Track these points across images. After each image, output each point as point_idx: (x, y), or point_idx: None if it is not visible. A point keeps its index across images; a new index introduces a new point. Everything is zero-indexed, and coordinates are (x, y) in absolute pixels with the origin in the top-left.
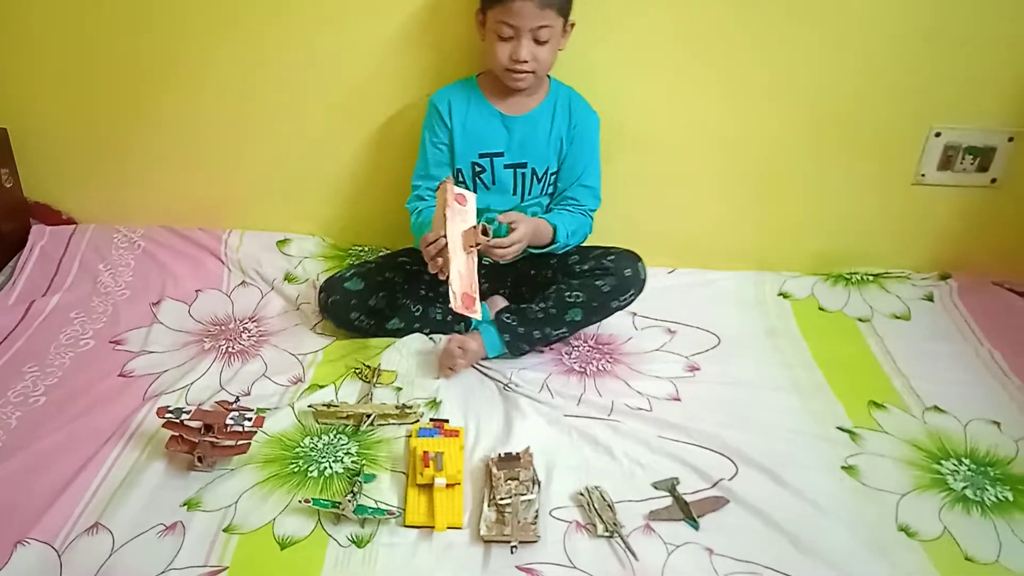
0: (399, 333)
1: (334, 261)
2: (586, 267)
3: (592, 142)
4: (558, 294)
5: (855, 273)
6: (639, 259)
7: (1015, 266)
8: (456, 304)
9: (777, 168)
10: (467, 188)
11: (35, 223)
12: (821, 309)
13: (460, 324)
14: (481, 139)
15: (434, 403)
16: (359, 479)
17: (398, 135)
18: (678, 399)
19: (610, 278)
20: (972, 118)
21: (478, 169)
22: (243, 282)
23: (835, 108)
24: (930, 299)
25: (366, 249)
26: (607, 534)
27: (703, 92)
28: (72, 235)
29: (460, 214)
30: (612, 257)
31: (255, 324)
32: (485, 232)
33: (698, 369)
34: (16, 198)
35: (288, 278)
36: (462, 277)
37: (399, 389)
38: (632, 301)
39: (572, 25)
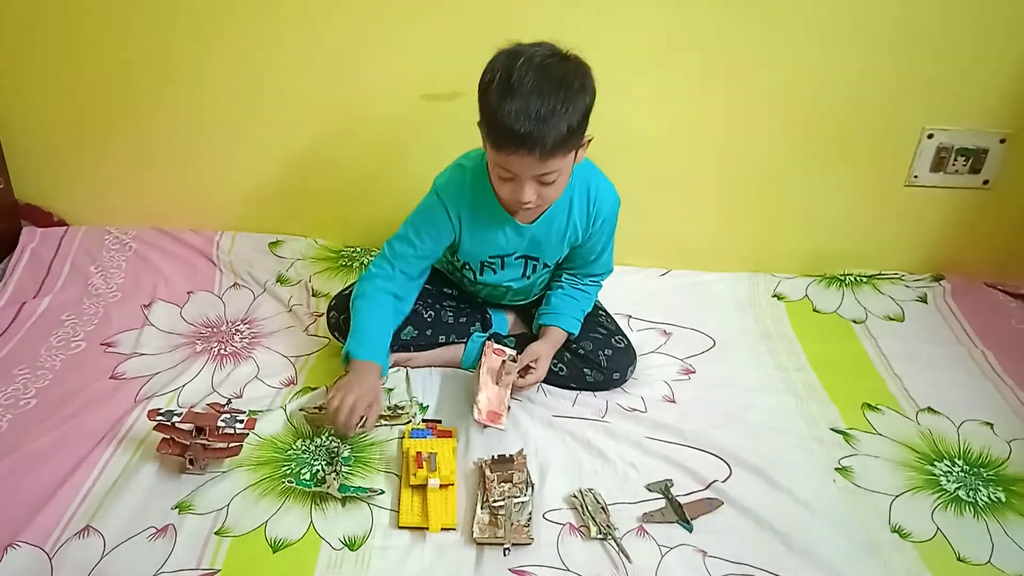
0: (413, 341)
1: (326, 262)
2: (582, 350)
3: (611, 228)
4: None
5: (849, 274)
6: (633, 359)
7: (1008, 267)
8: (480, 416)
9: (770, 170)
10: (474, 274)
11: (26, 225)
12: (815, 311)
13: (475, 324)
14: (492, 244)
15: (421, 407)
16: (340, 459)
17: (390, 137)
18: (673, 401)
19: (597, 373)
20: (964, 120)
21: (487, 264)
22: (235, 284)
23: (828, 110)
24: (923, 300)
25: (358, 250)
26: (600, 536)
27: (695, 95)
28: (63, 237)
29: (494, 359)
30: (610, 352)
31: (247, 326)
32: (513, 360)
33: (693, 371)
34: (6, 200)
35: (280, 280)
36: (490, 400)
37: (390, 391)
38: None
39: (590, 140)
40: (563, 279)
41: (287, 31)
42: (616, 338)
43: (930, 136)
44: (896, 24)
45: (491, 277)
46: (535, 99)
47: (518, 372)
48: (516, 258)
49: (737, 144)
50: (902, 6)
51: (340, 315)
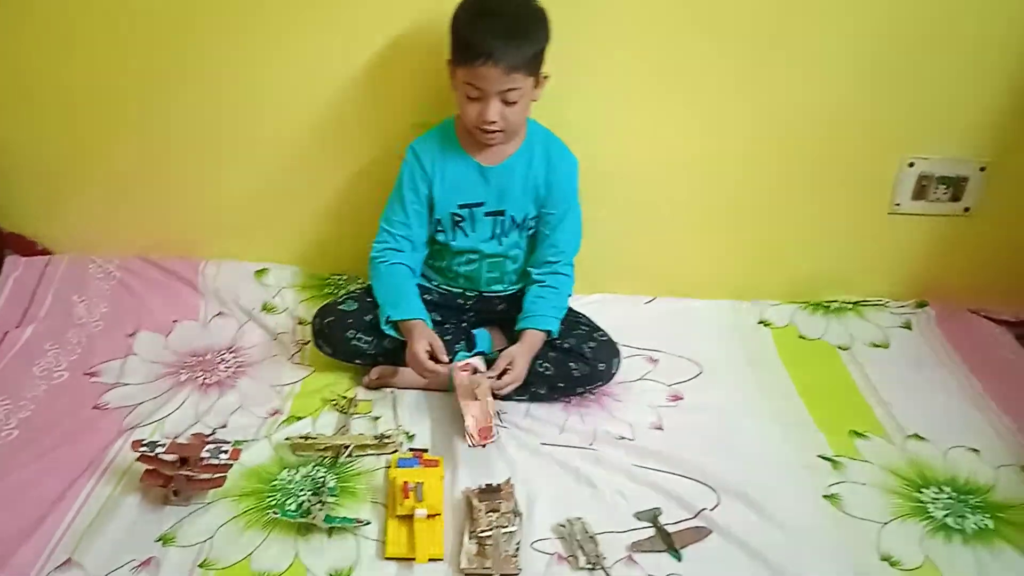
0: (396, 354)
1: (312, 290)
2: (567, 344)
3: (571, 186)
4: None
5: (834, 301)
6: (617, 353)
7: (990, 293)
8: (475, 443)
9: (755, 198)
10: (448, 236)
11: (9, 254)
12: (801, 337)
13: (459, 344)
14: (461, 190)
15: (408, 436)
16: (325, 489)
17: (375, 163)
18: (660, 428)
19: (583, 366)
20: (944, 149)
21: (457, 219)
22: (220, 312)
23: (811, 140)
24: (908, 327)
25: (345, 277)
26: (589, 566)
27: (679, 125)
28: (47, 266)
29: (463, 377)
30: (593, 345)
31: (232, 355)
32: (476, 371)
33: (681, 398)
34: None
35: (266, 308)
36: (476, 419)
37: (376, 419)
38: (597, 390)
39: (546, 77)
40: (533, 277)
41: (272, 60)
42: (598, 333)
43: (911, 165)
44: (876, 57)
45: (464, 241)
46: (502, 19)
47: (495, 376)
48: (485, 214)
49: (721, 174)
50: (881, 40)
51: (323, 319)
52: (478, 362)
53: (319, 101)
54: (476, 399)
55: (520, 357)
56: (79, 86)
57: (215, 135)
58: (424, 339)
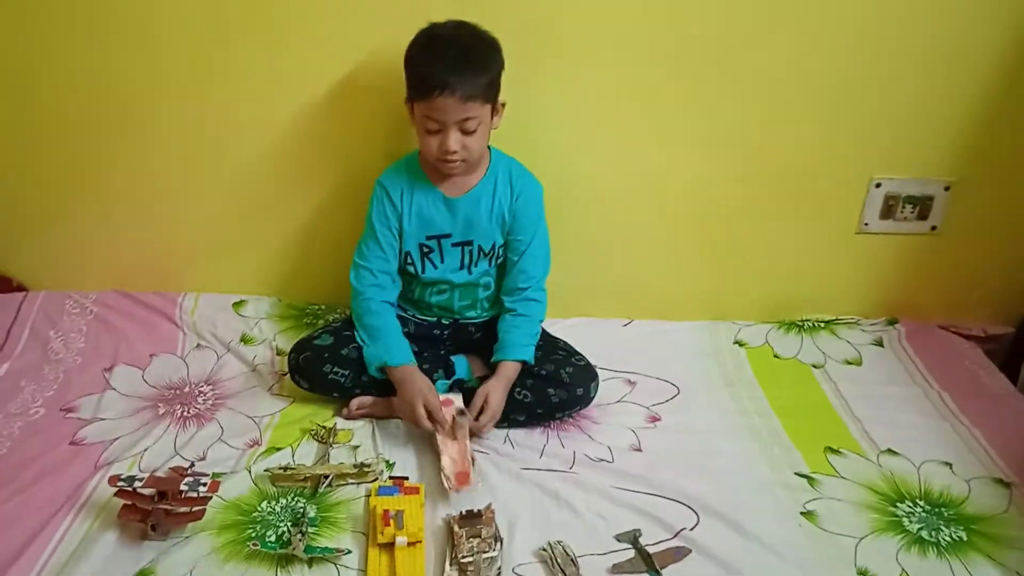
0: (373, 386)
1: (290, 321)
2: (544, 371)
3: (536, 212)
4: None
5: (807, 320)
6: (595, 377)
7: (958, 309)
8: (451, 486)
9: (728, 221)
10: (417, 268)
11: None
12: (776, 356)
13: (438, 372)
14: (428, 222)
15: (388, 464)
16: (306, 520)
17: (350, 194)
18: (639, 449)
19: (561, 391)
20: (910, 169)
21: (426, 250)
22: (198, 345)
23: (780, 162)
24: (880, 344)
25: (322, 307)
26: None
27: (649, 149)
28: (22, 302)
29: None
30: (571, 370)
31: (211, 387)
32: (462, 412)
33: (659, 419)
34: None
35: (244, 339)
36: (454, 461)
37: (356, 448)
38: (575, 414)
39: (503, 105)
40: (505, 306)
41: (241, 94)
42: (575, 358)
43: (878, 185)
44: (841, 79)
45: (433, 272)
46: (455, 49)
47: (474, 417)
48: (453, 244)
49: (695, 197)
50: (846, 62)
51: (299, 355)
52: (456, 399)
53: (289, 132)
54: (455, 439)
55: (495, 392)
56: (51, 122)
57: (189, 167)
58: (425, 395)
